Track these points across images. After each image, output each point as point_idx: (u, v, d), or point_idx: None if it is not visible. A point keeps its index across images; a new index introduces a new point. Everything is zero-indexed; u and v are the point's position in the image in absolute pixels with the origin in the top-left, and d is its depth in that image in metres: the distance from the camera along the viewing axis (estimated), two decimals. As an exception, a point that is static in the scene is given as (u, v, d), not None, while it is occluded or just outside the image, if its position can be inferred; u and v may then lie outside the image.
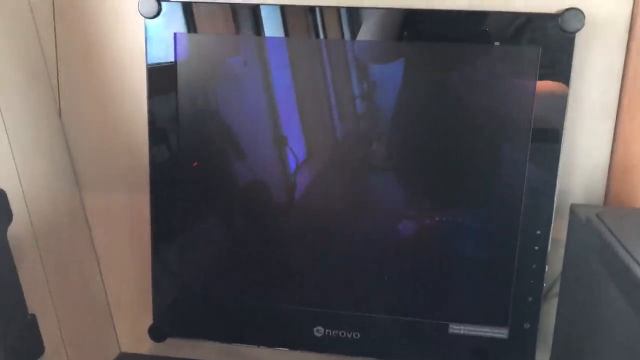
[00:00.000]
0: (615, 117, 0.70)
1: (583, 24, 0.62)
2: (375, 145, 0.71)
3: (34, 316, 0.67)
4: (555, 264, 0.72)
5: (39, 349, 0.68)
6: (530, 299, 0.69)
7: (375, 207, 0.73)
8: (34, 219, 0.72)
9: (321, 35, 0.68)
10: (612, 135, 0.71)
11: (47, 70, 0.78)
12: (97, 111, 0.79)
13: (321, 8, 0.67)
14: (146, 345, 0.88)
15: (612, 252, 0.52)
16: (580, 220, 0.63)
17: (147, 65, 0.70)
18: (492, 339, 0.71)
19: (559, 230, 0.70)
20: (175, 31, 0.69)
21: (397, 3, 0.69)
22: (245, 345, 0.79)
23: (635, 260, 0.49)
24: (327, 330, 0.74)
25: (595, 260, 0.58)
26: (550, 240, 0.68)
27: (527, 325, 0.70)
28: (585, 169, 0.72)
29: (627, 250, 0.51)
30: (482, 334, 0.72)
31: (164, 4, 0.68)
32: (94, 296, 0.86)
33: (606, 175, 0.72)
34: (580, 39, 0.64)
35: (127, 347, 0.90)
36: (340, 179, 0.73)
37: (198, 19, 0.69)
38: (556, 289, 0.73)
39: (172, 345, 0.85)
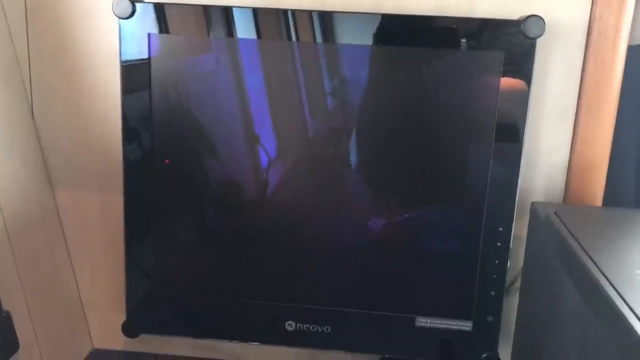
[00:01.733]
0: (574, 118, 0.73)
1: (544, 31, 0.65)
2: (344, 144, 0.73)
3: (8, 313, 0.67)
4: (518, 259, 0.75)
5: (14, 345, 0.68)
6: (493, 293, 0.72)
7: (343, 203, 0.75)
8: (7, 216, 0.72)
9: (293, 38, 0.69)
10: (571, 136, 0.74)
11: (20, 70, 0.78)
12: (69, 110, 0.80)
13: (293, 11, 0.68)
14: (119, 341, 0.89)
15: (569, 248, 0.55)
16: (540, 218, 0.66)
17: (121, 64, 0.71)
18: (457, 331, 0.74)
19: (521, 227, 0.73)
20: (149, 32, 0.70)
21: (366, 7, 0.71)
22: (218, 340, 0.81)
23: (590, 257, 0.52)
24: (298, 325, 0.76)
25: (553, 256, 0.61)
26: (512, 236, 0.71)
27: (490, 318, 0.73)
28: (546, 168, 0.75)
29: (582, 247, 0.54)
30: (448, 326, 0.74)
31: (138, 4, 0.69)
32: (66, 293, 0.86)
33: (566, 174, 0.75)
34: (541, 44, 0.67)
35: (100, 343, 0.91)
36: (310, 177, 0.75)
37: (172, 20, 0.70)
38: (518, 283, 0.76)
39: (145, 341, 0.86)
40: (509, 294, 0.77)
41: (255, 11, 0.69)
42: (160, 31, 0.70)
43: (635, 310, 0.43)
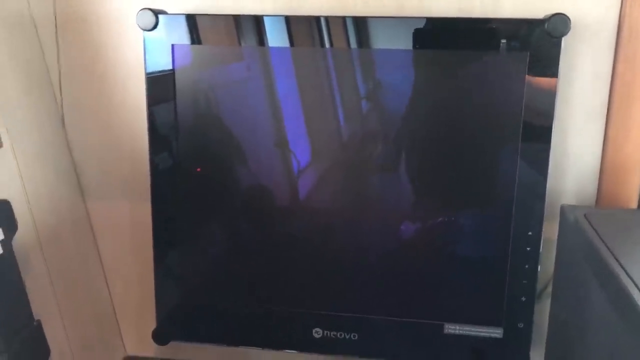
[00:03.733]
0: (605, 119, 0.71)
1: (569, 29, 0.63)
2: (375, 149, 0.72)
3: (39, 322, 0.69)
4: (550, 264, 0.73)
5: (45, 353, 0.70)
6: (523, 298, 0.71)
7: (372, 211, 0.74)
8: (39, 227, 0.74)
9: (326, 44, 0.69)
10: (602, 137, 0.72)
11: (51, 82, 0.80)
12: (99, 122, 0.81)
13: (321, 18, 0.68)
14: (151, 348, 0.90)
15: (597, 253, 0.53)
16: (569, 221, 0.64)
17: (146, 75, 0.72)
18: (487, 338, 0.73)
19: (553, 230, 0.71)
20: (173, 42, 0.71)
21: (388, 10, 0.71)
22: (246, 347, 0.81)
23: (619, 262, 0.50)
24: (325, 332, 0.76)
25: (582, 260, 0.59)
26: (542, 241, 0.69)
27: (521, 325, 0.71)
28: (577, 170, 0.73)
29: (610, 252, 0.52)
30: (477, 333, 0.73)
31: (161, 16, 0.70)
32: (99, 301, 0.88)
33: (597, 176, 0.73)
34: (569, 42, 0.65)
35: (133, 349, 0.92)
36: (340, 183, 0.75)
37: (194, 31, 0.71)
38: (550, 288, 0.74)
39: (177, 348, 0.87)
40: (541, 299, 0.75)
41: (283, 19, 0.69)
42: (184, 41, 0.71)
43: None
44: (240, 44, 0.70)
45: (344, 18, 0.68)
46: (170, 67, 0.72)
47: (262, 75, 0.72)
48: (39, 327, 0.68)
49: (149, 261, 0.79)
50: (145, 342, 0.88)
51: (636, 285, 0.46)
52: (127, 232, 0.86)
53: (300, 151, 0.73)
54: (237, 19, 0.70)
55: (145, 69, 0.72)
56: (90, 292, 0.85)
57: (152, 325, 0.81)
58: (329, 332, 0.76)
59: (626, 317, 0.47)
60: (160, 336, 0.81)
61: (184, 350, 0.89)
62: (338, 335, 0.76)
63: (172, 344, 0.81)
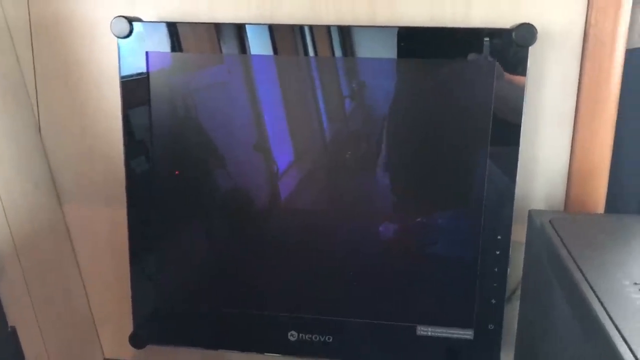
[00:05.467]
0: (572, 125, 0.73)
1: (536, 38, 0.64)
2: (354, 151, 0.73)
3: (14, 328, 0.69)
4: (521, 267, 0.74)
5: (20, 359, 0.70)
6: (493, 301, 0.72)
7: (346, 215, 0.75)
8: (15, 232, 0.74)
9: (310, 52, 0.70)
10: (570, 142, 0.73)
11: (26, 88, 0.80)
12: (75, 128, 0.82)
13: (304, 26, 0.69)
14: (129, 352, 0.90)
15: (558, 257, 0.55)
16: (536, 226, 0.65)
17: (121, 82, 0.73)
18: (459, 339, 0.74)
19: (524, 234, 0.72)
20: (147, 50, 0.71)
21: (361, 19, 0.72)
22: (222, 350, 0.82)
23: (579, 267, 0.52)
24: (300, 335, 0.77)
25: (546, 264, 0.60)
26: (510, 244, 0.70)
27: (491, 326, 0.73)
28: (545, 175, 0.75)
29: (572, 257, 0.54)
30: (449, 335, 0.74)
31: (135, 24, 0.70)
32: (76, 305, 0.88)
33: (566, 180, 0.74)
34: (536, 51, 0.67)
35: (111, 353, 0.93)
36: (316, 188, 0.76)
37: (169, 38, 0.71)
38: (519, 290, 0.75)
39: (155, 351, 0.87)
40: (511, 301, 0.77)
41: (268, 28, 0.70)
42: (158, 49, 0.71)
43: (620, 327, 0.42)
44: (212, 51, 0.71)
45: (327, 27, 0.69)
46: (144, 73, 0.72)
47: (241, 82, 0.72)
48: (13, 333, 0.69)
49: (126, 265, 0.80)
50: (123, 346, 0.88)
51: (593, 291, 0.48)
52: (104, 237, 0.87)
53: (280, 154, 0.74)
54: (209, 27, 0.70)
55: (120, 75, 0.73)
56: (67, 297, 0.86)
57: (130, 329, 0.81)
58: (303, 335, 0.77)
59: (583, 321, 0.48)
60: (137, 340, 0.81)
61: (161, 353, 0.89)
62: (313, 338, 0.77)
63: (150, 347, 0.82)
